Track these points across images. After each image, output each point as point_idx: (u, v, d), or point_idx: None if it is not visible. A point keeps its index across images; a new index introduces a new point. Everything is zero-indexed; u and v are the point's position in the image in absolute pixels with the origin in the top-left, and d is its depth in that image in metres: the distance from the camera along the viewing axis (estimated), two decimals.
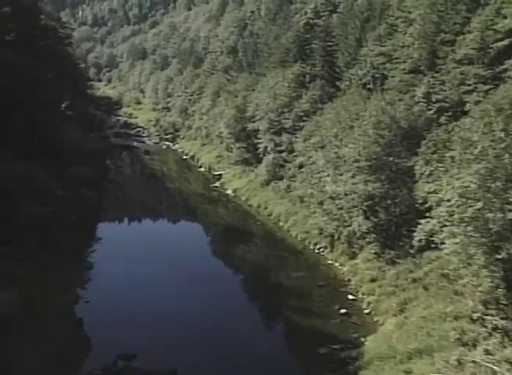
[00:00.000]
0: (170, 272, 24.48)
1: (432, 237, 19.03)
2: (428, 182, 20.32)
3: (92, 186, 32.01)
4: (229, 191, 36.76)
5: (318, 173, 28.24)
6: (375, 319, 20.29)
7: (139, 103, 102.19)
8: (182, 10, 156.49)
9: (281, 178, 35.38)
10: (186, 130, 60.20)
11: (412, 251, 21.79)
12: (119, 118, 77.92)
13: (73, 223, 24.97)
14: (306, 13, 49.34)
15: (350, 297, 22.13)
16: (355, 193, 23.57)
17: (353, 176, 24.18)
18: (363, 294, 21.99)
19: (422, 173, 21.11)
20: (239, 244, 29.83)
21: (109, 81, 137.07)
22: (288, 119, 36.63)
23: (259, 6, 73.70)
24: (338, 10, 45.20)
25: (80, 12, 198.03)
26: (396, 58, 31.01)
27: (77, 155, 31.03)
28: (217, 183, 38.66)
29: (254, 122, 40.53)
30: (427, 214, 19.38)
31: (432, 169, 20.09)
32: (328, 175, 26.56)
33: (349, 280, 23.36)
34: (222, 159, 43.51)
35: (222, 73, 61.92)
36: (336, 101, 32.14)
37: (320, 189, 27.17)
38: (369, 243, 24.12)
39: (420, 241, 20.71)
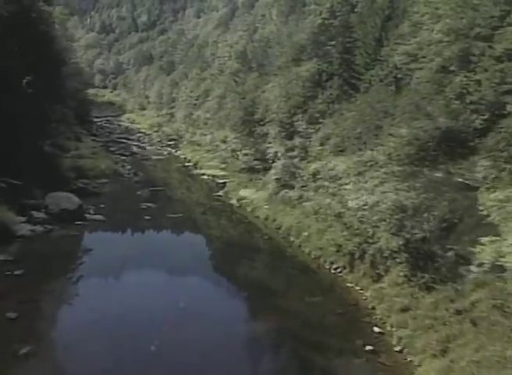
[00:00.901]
0: (166, 292, 20.42)
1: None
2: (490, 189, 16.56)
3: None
4: (233, 201, 32.16)
5: (337, 180, 24.74)
6: (409, 358, 16.22)
7: (143, 109, 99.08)
8: (191, 18, 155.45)
9: (292, 187, 31.10)
10: (190, 135, 57.27)
11: (450, 274, 18.25)
12: (121, 123, 75.06)
13: None
14: (321, 13, 46.11)
15: (376, 329, 17.94)
16: (383, 204, 19.91)
17: (381, 184, 20.48)
18: (392, 327, 17.79)
19: (485, 178, 17.31)
20: (243, 261, 25.34)
21: (115, 88, 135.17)
22: (301, 121, 33.18)
23: (270, 10, 71.57)
24: (356, 10, 42.15)
25: (88, 19, 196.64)
26: (423, 58, 27.88)
27: None
28: (220, 193, 34.53)
29: (263, 125, 36.85)
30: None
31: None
32: (349, 183, 22.97)
33: (373, 308, 19.11)
34: (227, 166, 39.56)
35: (229, 76, 59.26)
36: (360, 98, 28.45)
37: (339, 199, 23.54)
38: (399, 264, 19.88)
39: (481, 265, 16.83)
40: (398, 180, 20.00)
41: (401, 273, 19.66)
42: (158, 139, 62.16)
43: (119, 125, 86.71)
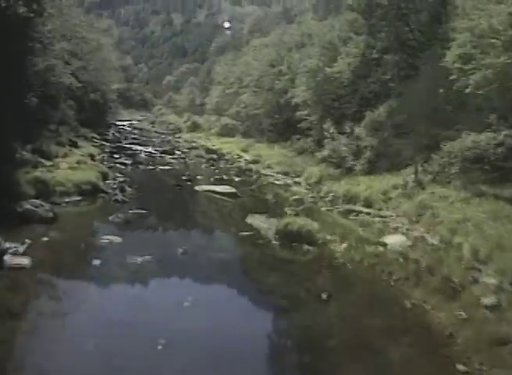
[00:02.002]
0: None
1: None
2: None
3: None
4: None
5: None
6: None
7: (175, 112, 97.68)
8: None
9: None
10: (209, 143, 52.95)
11: None
12: (145, 127, 70.91)
13: None
14: None
15: (461, 368, 11.34)
16: None
17: None
18: (481, 365, 11.22)
19: None
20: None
21: (147, 82, 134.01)
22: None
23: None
24: None
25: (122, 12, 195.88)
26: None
27: None
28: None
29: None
30: None
31: None
32: None
33: (452, 336, 12.44)
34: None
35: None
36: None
37: None
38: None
39: None
40: None
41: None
42: (177, 145, 56.87)
43: (141, 129, 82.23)
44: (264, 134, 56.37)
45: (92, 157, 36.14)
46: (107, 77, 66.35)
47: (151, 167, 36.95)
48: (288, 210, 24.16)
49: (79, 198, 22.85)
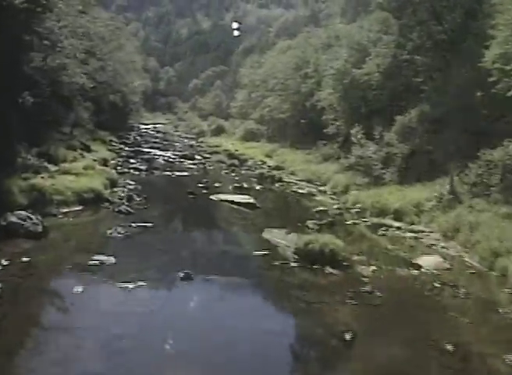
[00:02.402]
0: None
1: None
2: None
3: None
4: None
5: None
6: None
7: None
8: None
9: None
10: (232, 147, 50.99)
11: None
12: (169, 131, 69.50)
13: None
14: None
15: None
16: None
17: None
18: None
19: None
20: None
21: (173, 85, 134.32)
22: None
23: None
24: None
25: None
26: None
27: None
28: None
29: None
30: None
31: None
32: None
33: None
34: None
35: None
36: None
37: None
38: None
39: None
40: None
41: None
42: (199, 150, 55.60)
43: (164, 132, 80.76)
44: (288, 139, 54.05)
45: (105, 162, 34.20)
46: (128, 79, 64.47)
47: (168, 173, 34.83)
48: (310, 224, 21.96)
49: (79, 208, 20.82)
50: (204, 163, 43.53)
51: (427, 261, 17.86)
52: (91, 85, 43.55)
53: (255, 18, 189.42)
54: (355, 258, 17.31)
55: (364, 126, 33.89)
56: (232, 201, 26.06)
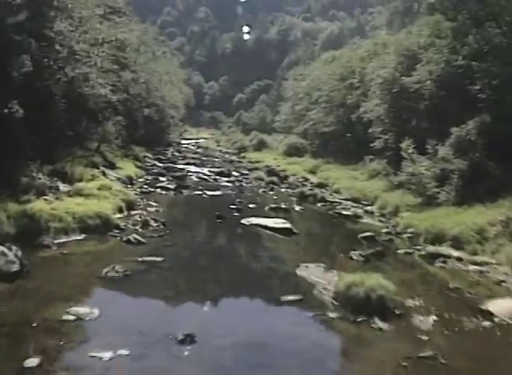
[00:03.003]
0: None
1: None
2: None
3: None
4: None
5: None
6: None
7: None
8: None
9: None
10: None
11: None
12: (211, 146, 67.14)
13: None
14: None
15: None
16: None
17: None
18: None
19: None
20: None
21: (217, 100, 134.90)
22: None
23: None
24: None
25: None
26: None
27: None
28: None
29: None
30: None
31: None
32: None
33: None
34: None
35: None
36: None
37: None
38: None
39: None
40: None
41: None
42: (238, 165, 53.60)
43: (206, 148, 78.53)
44: (333, 154, 50.65)
45: (130, 180, 31.39)
46: (164, 92, 61.93)
47: (198, 192, 31.68)
48: (355, 254, 18.50)
49: (80, 237, 17.70)
50: (241, 181, 40.34)
51: (499, 306, 14.19)
52: (120, 97, 41.08)
53: (300, 31, 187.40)
54: (410, 303, 13.81)
55: (416, 139, 30.26)
56: (265, 227, 22.72)
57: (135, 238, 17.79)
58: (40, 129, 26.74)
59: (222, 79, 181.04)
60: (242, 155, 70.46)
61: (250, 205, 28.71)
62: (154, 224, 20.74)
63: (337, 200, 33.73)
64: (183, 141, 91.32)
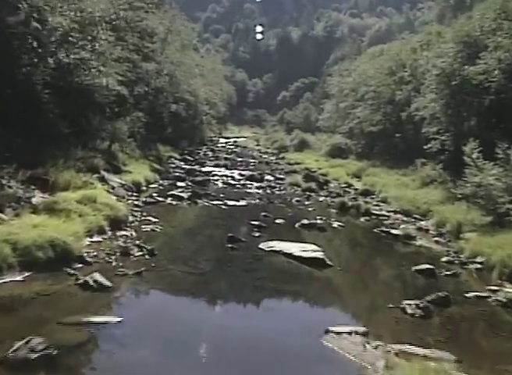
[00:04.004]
0: None
1: None
2: None
3: None
4: None
5: None
6: None
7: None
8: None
9: None
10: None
11: None
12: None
13: None
14: None
15: None
16: None
17: None
18: None
19: None
20: None
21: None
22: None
23: None
24: None
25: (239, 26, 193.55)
26: None
27: None
28: None
29: None
30: None
31: None
32: None
33: None
34: None
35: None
36: None
37: None
38: None
39: None
40: None
41: None
42: (274, 168, 48.94)
43: (244, 147, 74.06)
44: (380, 156, 45.05)
45: (137, 187, 26.37)
46: (195, 86, 56.90)
47: (217, 202, 26.33)
48: (410, 307, 13.04)
49: (19, 277, 12.43)
50: (273, 187, 34.98)
51: None
52: (140, 91, 36.28)
53: (347, 27, 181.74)
54: None
55: (480, 141, 24.49)
56: (289, 255, 17.27)
57: (95, 281, 12.40)
58: (22, 126, 22.05)
59: (266, 76, 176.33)
60: (281, 155, 65.30)
61: (278, 221, 23.30)
62: (138, 253, 15.42)
63: (384, 213, 28.19)
64: (222, 140, 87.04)
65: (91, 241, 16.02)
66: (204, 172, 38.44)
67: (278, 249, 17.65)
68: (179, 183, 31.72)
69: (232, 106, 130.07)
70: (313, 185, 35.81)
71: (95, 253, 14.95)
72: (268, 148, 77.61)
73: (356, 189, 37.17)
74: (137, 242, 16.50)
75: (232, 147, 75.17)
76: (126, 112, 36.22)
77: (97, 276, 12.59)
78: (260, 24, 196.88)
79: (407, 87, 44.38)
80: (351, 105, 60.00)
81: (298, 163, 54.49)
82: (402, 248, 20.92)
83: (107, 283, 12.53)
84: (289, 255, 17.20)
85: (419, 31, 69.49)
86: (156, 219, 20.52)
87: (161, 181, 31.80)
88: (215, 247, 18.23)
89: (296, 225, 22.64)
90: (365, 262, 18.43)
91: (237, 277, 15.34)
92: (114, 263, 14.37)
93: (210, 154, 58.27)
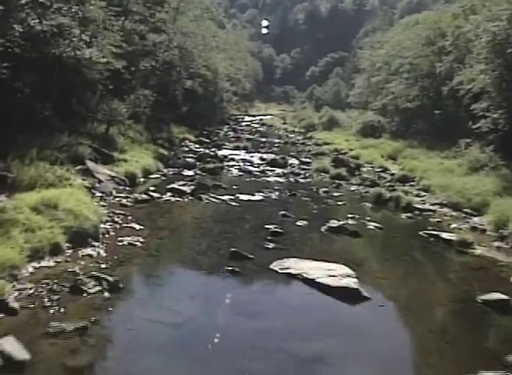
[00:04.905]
0: None
1: None
2: None
3: None
4: None
5: None
6: None
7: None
8: None
9: None
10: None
11: None
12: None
13: None
14: None
15: None
16: None
17: None
18: None
19: None
20: None
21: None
22: None
23: None
24: None
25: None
26: None
27: None
28: None
29: None
30: None
31: None
32: None
33: None
34: None
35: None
36: None
37: None
38: None
39: None
40: None
41: None
42: (301, 149, 44.72)
43: (270, 126, 70.32)
44: (417, 136, 40.31)
45: (132, 180, 22.01)
46: (213, 60, 52.21)
47: (227, 198, 21.73)
48: None
49: None
50: (297, 174, 30.40)
51: None
52: (147, 65, 31.91)
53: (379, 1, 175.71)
54: None
55: None
56: (311, 282, 12.66)
57: (2, 352, 7.98)
58: None
59: (294, 51, 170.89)
60: (309, 134, 60.83)
61: (299, 222, 18.67)
62: (94, 289, 10.88)
63: (429, 206, 23.42)
64: (246, 118, 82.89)
65: (36, 268, 11.57)
66: (219, 156, 33.81)
67: (296, 272, 13.01)
68: (187, 172, 27.26)
69: (258, 83, 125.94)
70: (343, 171, 31.13)
71: (31, 290, 10.46)
72: (295, 126, 73.19)
73: (392, 174, 32.52)
74: (98, 270, 11.84)
75: (256, 126, 71.10)
76: (131, 90, 31.95)
77: (9, 344, 8.10)
78: (265, 19, 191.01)
79: (448, 57, 39.75)
80: (384, 80, 55.64)
81: (327, 144, 49.84)
82: (457, 260, 16.20)
83: (21, 355, 8.01)
84: (311, 282, 12.58)
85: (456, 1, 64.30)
86: (141, 226, 15.96)
87: (164, 170, 27.32)
88: (210, 270, 13.41)
89: (323, 228, 18.00)
90: (413, 289, 13.60)
91: (230, 339, 10.25)
92: (52, 310, 9.83)
93: (231, 134, 53.91)
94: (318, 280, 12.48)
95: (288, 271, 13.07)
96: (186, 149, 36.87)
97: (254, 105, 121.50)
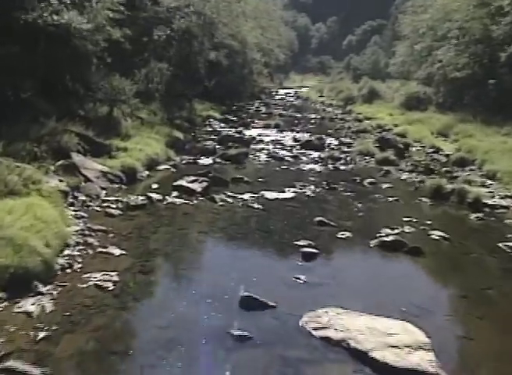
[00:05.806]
0: None
1: None
2: None
3: None
4: None
5: None
6: None
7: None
8: None
9: None
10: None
11: None
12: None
13: None
14: None
15: None
16: None
17: None
18: None
19: None
20: None
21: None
22: None
23: None
24: None
25: None
26: None
27: None
28: None
29: None
30: None
31: None
32: None
33: None
34: None
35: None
36: None
37: None
38: None
39: None
40: None
41: None
42: (339, 126, 40.43)
43: (306, 99, 66.79)
44: (470, 109, 35.55)
45: (130, 175, 17.73)
46: (240, 29, 47.60)
47: (248, 196, 17.23)
48: None
49: None
50: (337, 158, 25.81)
51: None
52: (161, 34, 27.61)
53: None
54: None
55: None
56: (361, 355, 8.11)
57: None
58: None
59: (330, 20, 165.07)
60: (348, 108, 56.18)
61: (341, 234, 14.07)
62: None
63: (502, 202, 18.72)
64: (281, 91, 78.73)
65: None
66: (245, 138, 29.30)
67: (338, 337, 8.43)
68: (203, 161, 22.92)
69: (294, 54, 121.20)
70: (390, 154, 26.52)
71: None
72: (333, 99, 68.43)
73: (447, 155, 27.88)
74: (30, 346, 7.52)
75: (291, 99, 66.96)
76: (144, 63, 27.67)
77: None
78: None
79: (506, 19, 34.78)
80: (429, 47, 51.04)
81: (368, 118, 45.13)
82: None
83: None
84: (362, 356, 8.07)
85: None
86: (123, 251, 11.56)
87: (177, 159, 22.97)
88: (207, 340, 8.83)
89: (372, 243, 13.45)
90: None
91: None
92: None
93: (262, 110, 49.51)
94: (372, 355, 7.98)
95: (326, 334, 8.58)
96: (210, 129, 32.68)
97: (289, 77, 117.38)
